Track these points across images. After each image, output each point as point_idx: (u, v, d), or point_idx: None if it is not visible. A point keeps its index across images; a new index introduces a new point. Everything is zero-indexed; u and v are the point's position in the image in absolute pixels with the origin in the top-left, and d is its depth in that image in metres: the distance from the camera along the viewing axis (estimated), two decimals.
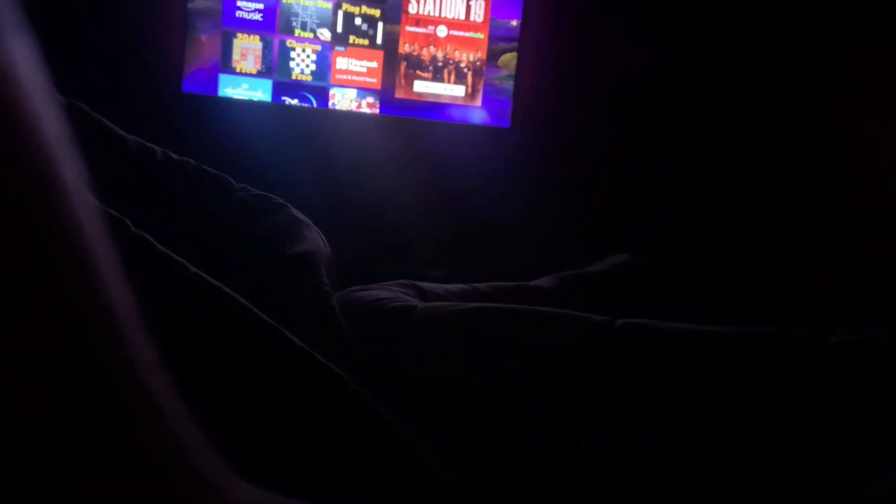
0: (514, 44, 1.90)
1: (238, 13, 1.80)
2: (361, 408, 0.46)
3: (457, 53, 1.88)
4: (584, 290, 1.02)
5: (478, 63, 1.90)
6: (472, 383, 0.62)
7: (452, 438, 0.61)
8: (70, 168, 0.20)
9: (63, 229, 0.18)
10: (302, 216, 0.79)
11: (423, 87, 1.88)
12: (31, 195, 0.18)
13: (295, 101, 1.83)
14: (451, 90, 1.90)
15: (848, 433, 0.60)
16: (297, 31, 1.82)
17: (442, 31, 1.87)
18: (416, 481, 0.47)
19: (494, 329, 0.64)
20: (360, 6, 1.84)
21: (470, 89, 1.90)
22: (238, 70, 1.81)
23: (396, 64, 1.87)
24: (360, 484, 0.41)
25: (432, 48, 1.88)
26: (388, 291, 0.73)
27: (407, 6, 1.85)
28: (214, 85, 1.81)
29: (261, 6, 1.80)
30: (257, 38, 1.81)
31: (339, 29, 1.83)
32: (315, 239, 0.75)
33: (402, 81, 1.88)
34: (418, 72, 1.88)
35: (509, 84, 1.91)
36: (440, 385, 0.61)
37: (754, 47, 1.93)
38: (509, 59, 1.91)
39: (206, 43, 1.79)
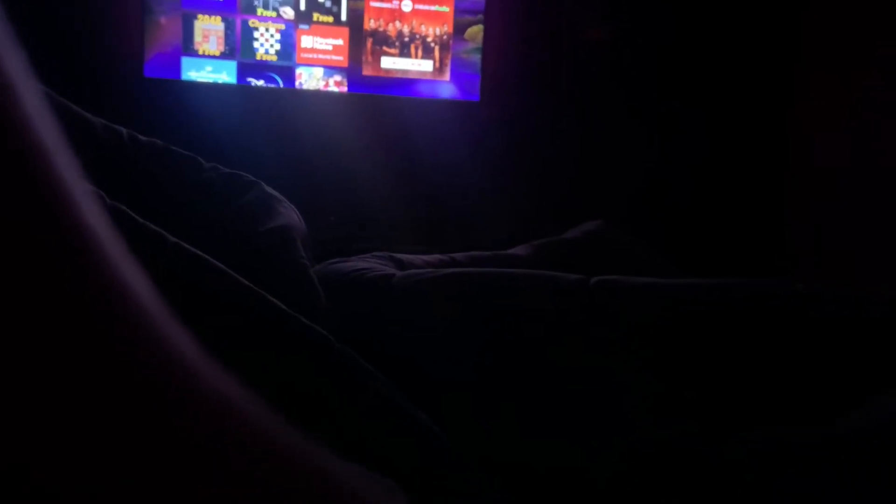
0: (480, 16, 1.89)
1: None
2: (349, 367, 0.47)
3: (423, 28, 1.87)
4: (559, 257, 1.03)
5: (444, 37, 1.89)
6: (452, 348, 0.62)
7: (436, 406, 0.62)
8: (60, 151, 0.20)
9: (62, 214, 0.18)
10: (275, 192, 0.78)
11: (391, 63, 1.87)
12: (28, 182, 0.18)
13: (261, 83, 1.80)
14: (418, 65, 1.88)
15: (817, 375, 0.62)
16: (260, 10, 1.79)
17: (407, 6, 1.85)
18: (406, 440, 0.48)
19: (472, 292, 0.65)
20: None
21: (438, 64, 1.89)
22: (200, 52, 1.78)
23: (362, 41, 1.85)
24: (350, 444, 0.42)
25: (398, 23, 1.86)
26: (366, 262, 0.73)
27: None
28: (177, 68, 1.77)
29: None
30: (219, 18, 1.78)
31: (303, 6, 1.80)
32: (289, 214, 0.75)
33: (369, 58, 1.86)
34: (385, 48, 1.86)
35: (477, 57, 1.90)
36: (421, 352, 0.62)
37: (722, 24, 1.94)
38: (476, 31, 1.90)
39: (165, 25, 1.75)
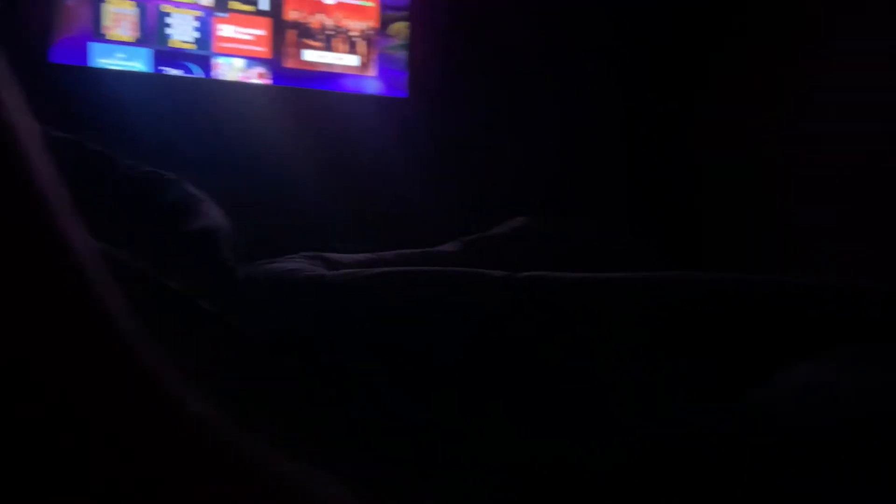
0: (405, 12, 1.89)
1: None
2: (279, 369, 0.46)
3: (347, 22, 1.84)
4: (488, 253, 1.05)
5: (369, 32, 1.87)
6: (385, 346, 0.62)
7: (371, 402, 0.62)
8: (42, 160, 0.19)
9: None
10: (196, 191, 0.76)
11: (315, 56, 1.83)
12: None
13: (178, 72, 1.73)
14: (343, 60, 1.86)
15: (735, 357, 0.65)
16: None
17: None
18: (344, 439, 0.48)
19: (402, 290, 0.65)
20: None
21: (364, 59, 1.87)
22: (111, 38, 1.68)
23: (285, 32, 1.80)
24: (292, 444, 0.42)
25: (321, 16, 1.83)
26: (295, 263, 0.72)
27: None
28: (85, 54, 1.67)
29: None
30: (131, 2, 1.69)
31: None
32: (213, 214, 0.73)
33: (293, 50, 1.82)
34: (308, 41, 1.82)
35: (403, 53, 1.90)
36: (354, 351, 0.62)
37: (635, 21, 2.01)
38: (400, 27, 1.90)
39: (73, 8, 1.65)
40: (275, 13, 1.79)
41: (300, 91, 1.82)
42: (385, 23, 1.88)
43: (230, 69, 1.77)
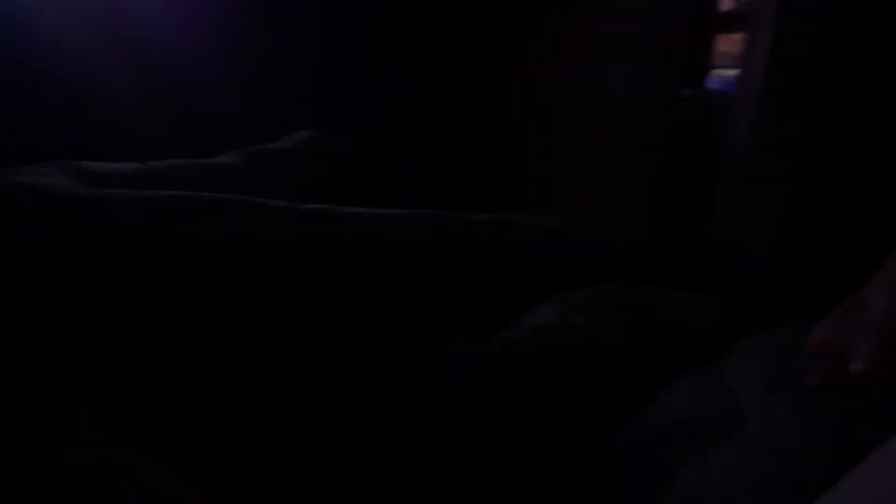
0: None
1: None
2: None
3: None
4: (269, 169, 1.02)
5: None
6: (155, 275, 0.60)
7: (135, 333, 0.60)
8: None
9: None
10: None
11: None
12: None
13: None
14: None
15: (479, 290, 0.74)
16: None
17: None
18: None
19: (176, 219, 0.62)
20: None
21: None
22: None
23: None
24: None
25: None
26: (46, 175, 0.64)
27: None
28: None
29: None
30: None
31: None
32: None
33: None
34: None
35: None
36: (118, 282, 0.58)
37: None
38: None
39: None
40: None
41: None
42: None
43: None
